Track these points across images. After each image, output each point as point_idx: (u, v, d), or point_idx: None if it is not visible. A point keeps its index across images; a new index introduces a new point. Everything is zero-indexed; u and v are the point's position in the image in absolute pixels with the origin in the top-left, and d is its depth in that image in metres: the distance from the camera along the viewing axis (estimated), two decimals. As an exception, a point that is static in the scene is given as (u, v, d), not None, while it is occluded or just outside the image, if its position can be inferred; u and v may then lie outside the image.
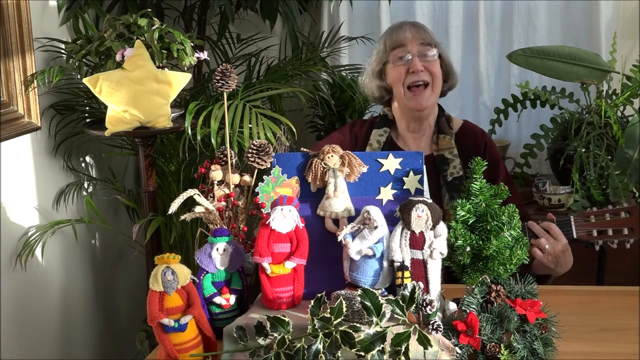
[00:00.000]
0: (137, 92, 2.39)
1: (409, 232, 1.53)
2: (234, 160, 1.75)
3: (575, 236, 1.91)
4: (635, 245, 1.94)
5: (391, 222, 1.57)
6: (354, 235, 1.54)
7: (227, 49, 3.17)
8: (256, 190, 1.66)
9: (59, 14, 2.77)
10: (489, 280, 1.52)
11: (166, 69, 2.47)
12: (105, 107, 2.46)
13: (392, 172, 1.66)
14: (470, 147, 2.18)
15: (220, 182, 1.72)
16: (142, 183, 2.63)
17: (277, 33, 3.31)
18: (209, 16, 2.93)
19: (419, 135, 2.21)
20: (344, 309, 1.35)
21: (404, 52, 2.15)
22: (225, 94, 1.71)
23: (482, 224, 1.58)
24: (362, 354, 1.31)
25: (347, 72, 3.11)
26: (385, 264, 1.53)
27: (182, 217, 1.70)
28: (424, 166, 1.66)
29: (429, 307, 1.36)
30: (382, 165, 1.66)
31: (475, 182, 1.61)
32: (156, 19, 2.51)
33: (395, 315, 1.34)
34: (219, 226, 1.65)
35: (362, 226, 1.54)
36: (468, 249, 1.57)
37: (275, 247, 1.55)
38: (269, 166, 1.68)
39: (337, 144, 1.67)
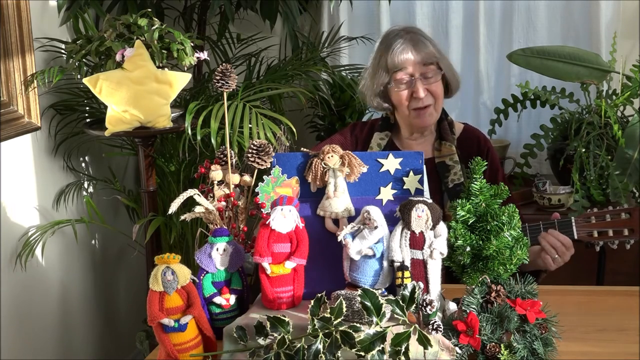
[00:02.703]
0: (137, 92, 2.39)
1: (409, 232, 1.53)
2: (234, 160, 1.75)
3: (576, 237, 1.92)
4: (635, 245, 1.94)
5: (391, 222, 1.57)
6: (354, 235, 1.54)
7: (227, 49, 3.17)
8: (256, 190, 1.66)
9: (59, 14, 2.77)
10: (489, 280, 1.52)
11: (166, 69, 2.47)
12: (105, 107, 2.46)
13: (392, 172, 1.66)
14: (473, 154, 2.16)
15: (220, 182, 1.72)
16: (142, 183, 2.63)
17: (277, 33, 3.31)
18: (209, 16, 2.93)
19: (420, 141, 2.20)
20: (344, 309, 1.35)
21: (406, 75, 2.09)
22: (225, 94, 1.71)
23: (482, 224, 1.58)
24: (362, 354, 1.31)
25: (347, 72, 3.11)
26: (385, 264, 1.53)
27: (182, 217, 1.70)
28: (425, 168, 1.66)
29: (429, 307, 1.36)
30: (382, 165, 1.66)
31: (475, 182, 1.61)
32: (156, 19, 2.51)
33: (395, 315, 1.34)
34: (219, 226, 1.65)
35: (362, 226, 1.54)
36: (468, 249, 1.57)
37: (275, 247, 1.55)
38: (269, 166, 1.68)
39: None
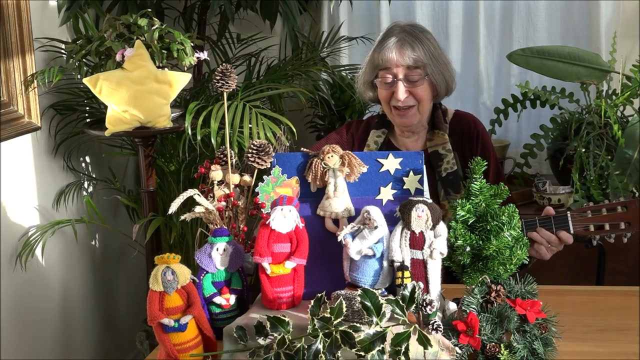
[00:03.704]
0: (137, 92, 2.39)
1: (409, 232, 1.53)
2: (234, 160, 1.75)
3: (572, 231, 1.91)
4: (634, 244, 1.94)
5: (391, 222, 1.57)
6: (354, 235, 1.54)
7: (227, 49, 3.18)
8: (256, 190, 1.66)
9: (59, 14, 2.78)
10: (489, 280, 1.52)
11: (166, 69, 2.47)
12: (105, 107, 2.46)
13: (392, 172, 1.66)
14: (464, 138, 2.18)
15: (220, 182, 1.72)
16: (142, 183, 2.63)
17: (277, 33, 3.31)
18: (209, 16, 2.93)
19: (415, 138, 2.21)
20: (344, 309, 1.35)
21: (389, 75, 2.08)
22: (225, 94, 1.71)
23: (482, 224, 1.58)
24: (362, 354, 1.31)
25: (347, 72, 3.11)
26: (385, 264, 1.53)
27: (182, 217, 1.70)
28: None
29: (429, 307, 1.36)
30: (382, 165, 1.66)
31: (475, 182, 1.61)
32: (156, 19, 2.52)
33: (395, 315, 1.34)
34: (219, 226, 1.65)
35: (362, 226, 1.54)
36: (468, 249, 1.57)
37: (275, 247, 1.55)
38: (269, 166, 1.68)
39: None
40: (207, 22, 3.09)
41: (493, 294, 1.48)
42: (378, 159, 1.67)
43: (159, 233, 2.67)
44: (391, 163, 1.66)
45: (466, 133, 2.18)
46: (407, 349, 1.31)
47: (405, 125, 2.15)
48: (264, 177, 1.66)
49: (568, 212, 1.92)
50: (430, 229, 1.53)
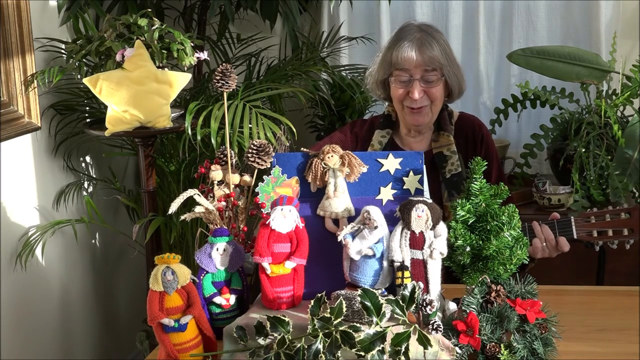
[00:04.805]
0: (137, 92, 2.39)
1: (409, 232, 1.53)
2: (234, 160, 1.75)
3: (575, 237, 1.92)
4: (634, 245, 1.94)
5: (391, 222, 1.57)
6: (354, 235, 1.54)
7: (227, 49, 3.18)
8: (256, 190, 1.66)
9: (59, 14, 2.78)
10: (489, 280, 1.52)
11: (166, 69, 2.47)
12: (105, 107, 2.46)
13: (392, 172, 1.66)
14: (469, 141, 2.18)
15: (220, 182, 1.72)
16: (142, 183, 2.63)
17: (277, 33, 3.31)
18: (209, 16, 2.93)
19: (420, 138, 2.21)
20: (344, 309, 1.35)
21: (406, 75, 2.09)
22: (225, 94, 1.71)
23: (482, 224, 1.58)
24: (362, 354, 1.31)
25: (347, 72, 3.11)
26: (385, 264, 1.53)
27: (182, 217, 1.70)
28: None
29: (429, 307, 1.36)
30: (382, 165, 1.66)
31: (475, 182, 1.61)
32: (156, 19, 2.51)
33: (395, 315, 1.34)
34: (219, 226, 1.65)
35: (362, 226, 1.54)
36: (468, 249, 1.57)
37: (275, 247, 1.55)
38: (269, 166, 1.68)
39: (338, 144, 1.68)
40: (207, 22, 3.09)
41: (493, 294, 1.48)
42: (378, 159, 1.67)
43: (159, 233, 2.67)
44: (391, 163, 1.66)
45: (471, 135, 2.19)
46: (407, 349, 1.31)
47: (416, 124, 2.15)
48: (264, 177, 1.66)
49: (572, 217, 1.92)
50: (430, 229, 1.53)
